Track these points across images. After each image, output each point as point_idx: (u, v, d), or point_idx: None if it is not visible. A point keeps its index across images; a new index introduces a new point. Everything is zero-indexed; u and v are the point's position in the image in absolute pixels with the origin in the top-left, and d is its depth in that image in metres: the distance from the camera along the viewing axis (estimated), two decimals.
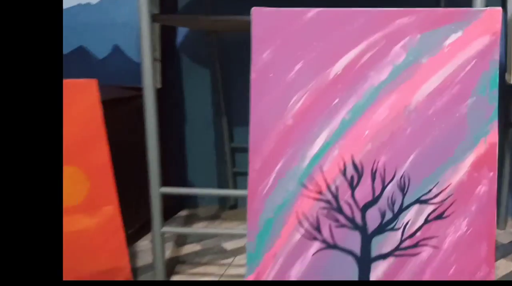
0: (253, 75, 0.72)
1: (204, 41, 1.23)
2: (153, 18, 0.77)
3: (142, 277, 0.82)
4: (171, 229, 0.86)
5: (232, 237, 1.05)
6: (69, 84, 0.68)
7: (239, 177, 1.34)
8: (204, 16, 0.84)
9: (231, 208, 1.33)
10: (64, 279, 0.67)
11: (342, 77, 0.71)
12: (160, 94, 1.16)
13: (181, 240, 1.04)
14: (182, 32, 1.21)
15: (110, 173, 0.71)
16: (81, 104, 0.69)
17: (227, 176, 1.32)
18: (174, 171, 1.29)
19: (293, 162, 0.71)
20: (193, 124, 1.30)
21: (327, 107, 0.71)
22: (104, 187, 0.70)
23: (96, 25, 1.09)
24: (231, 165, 1.31)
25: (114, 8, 1.09)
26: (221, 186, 1.34)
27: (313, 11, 0.72)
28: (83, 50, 1.09)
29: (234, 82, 1.29)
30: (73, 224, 0.67)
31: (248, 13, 0.72)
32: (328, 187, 0.69)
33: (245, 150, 1.34)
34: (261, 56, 0.72)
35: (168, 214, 1.22)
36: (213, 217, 1.23)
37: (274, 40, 0.72)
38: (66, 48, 1.09)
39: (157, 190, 0.77)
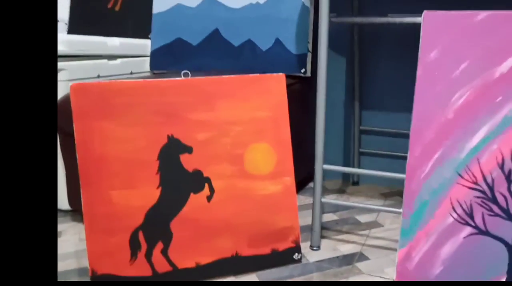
0: (419, 71, 0.80)
1: (345, 33, 1.32)
2: (330, 20, 0.87)
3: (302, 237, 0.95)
4: (329, 200, 0.97)
5: (366, 211, 1.15)
6: (265, 78, 0.82)
7: (363, 156, 1.43)
8: (378, 17, 0.92)
9: (354, 184, 1.43)
10: (250, 234, 0.81)
11: (507, 76, 0.76)
12: (309, 81, 1.28)
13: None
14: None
15: (290, 149, 0.84)
16: (274, 93, 0.83)
17: (354, 155, 1.41)
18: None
19: (451, 152, 0.78)
20: (328, 106, 1.41)
21: (490, 104, 0.76)
22: (286, 161, 0.83)
23: (262, 21, 1.23)
24: (358, 145, 1.40)
25: (278, 6, 1.21)
26: (346, 163, 1.44)
27: (483, 14, 0.77)
28: (250, 43, 1.24)
29: (368, 70, 1.36)
30: (264, 188, 0.82)
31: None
32: (484, 178, 0.76)
33: (370, 132, 1.42)
34: (428, 55, 0.79)
35: (301, 185, 1.35)
36: (339, 191, 1.34)
37: (442, 41, 0.79)
38: (237, 41, 1.25)
39: (320, 166, 0.89)
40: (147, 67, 1.37)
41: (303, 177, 1.36)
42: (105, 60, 1.20)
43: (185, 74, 0.85)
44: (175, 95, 0.79)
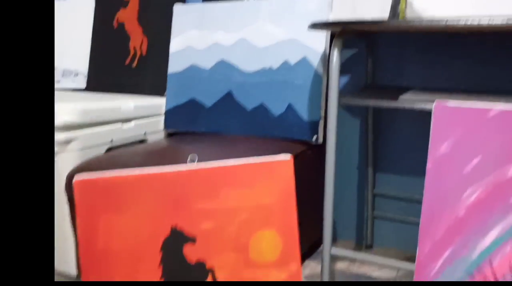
0: (429, 165, 0.78)
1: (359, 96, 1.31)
2: (339, 101, 0.87)
3: None
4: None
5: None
6: (272, 164, 0.81)
7: (376, 220, 1.40)
8: (388, 101, 0.91)
9: (367, 247, 1.39)
10: None
11: None
12: (323, 146, 1.27)
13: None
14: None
15: (297, 235, 0.82)
16: (281, 179, 0.82)
17: (367, 218, 1.38)
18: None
19: (462, 251, 0.75)
20: (341, 168, 1.39)
21: (503, 203, 0.74)
22: (292, 247, 0.82)
23: (275, 86, 1.23)
24: (372, 208, 1.37)
25: (291, 72, 1.21)
26: (359, 226, 1.42)
27: (495, 110, 0.75)
28: (263, 107, 1.24)
29: (383, 133, 1.34)
30: (269, 276, 0.80)
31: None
32: (497, 281, 0.73)
33: (385, 196, 1.39)
34: (439, 147, 0.78)
35: (312, 248, 1.33)
36: (351, 260, 1.31)
37: (453, 134, 0.77)
38: (250, 105, 1.26)
39: (328, 252, 0.88)
40: (161, 126, 1.39)
41: (315, 240, 1.34)
42: (119, 124, 1.21)
43: (192, 157, 0.85)
44: (180, 186, 0.79)
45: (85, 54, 1.67)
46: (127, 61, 1.57)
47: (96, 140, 1.13)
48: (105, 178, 0.75)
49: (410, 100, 0.88)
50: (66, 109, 1.06)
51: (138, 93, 1.50)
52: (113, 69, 1.59)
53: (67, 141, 1.05)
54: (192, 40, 1.37)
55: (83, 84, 1.66)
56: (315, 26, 0.88)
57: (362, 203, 1.41)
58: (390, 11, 1.13)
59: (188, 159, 0.85)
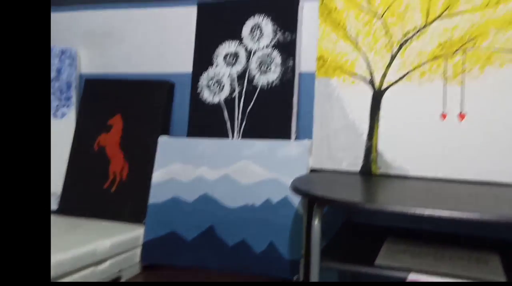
0: None
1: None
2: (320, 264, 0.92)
3: None
4: None
5: None
6: None
7: None
8: (366, 267, 0.96)
9: None
10: None
11: None
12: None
13: None
14: None
15: None
16: None
17: None
18: None
19: None
20: None
21: None
22: None
23: (257, 224, 1.27)
24: None
25: (273, 210, 1.27)
26: None
27: None
28: (244, 244, 1.27)
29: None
30: None
31: None
32: None
33: None
34: None
35: None
36: None
37: None
38: (231, 241, 1.28)
39: None
40: (137, 258, 1.36)
41: None
42: (92, 268, 1.17)
43: None
44: None
45: (59, 173, 1.67)
46: (106, 185, 1.58)
47: None
48: None
49: (388, 268, 0.93)
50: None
51: (116, 220, 1.49)
52: (89, 192, 1.59)
53: None
54: (176, 173, 1.41)
55: (52, 206, 1.63)
56: (296, 191, 0.95)
57: None
58: (363, 159, 1.24)
59: None
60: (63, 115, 1.73)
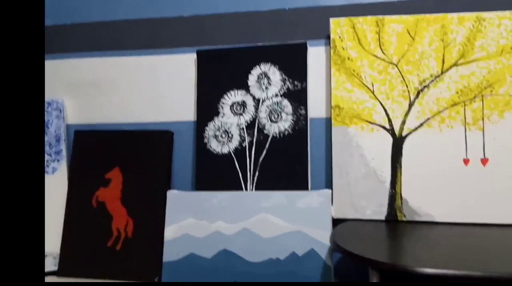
0: None
1: None
2: None
3: None
4: None
5: None
6: None
7: None
8: None
9: None
10: None
11: None
12: None
13: None
14: None
15: None
16: None
17: None
18: None
19: None
20: None
21: None
22: None
23: (283, 278, 1.24)
24: None
25: (299, 263, 1.24)
26: None
27: None
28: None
29: None
30: None
31: None
32: None
33: None
34: None
35: None
36: None
37: None
38: None
39: None
40: None
41: None
42: None
43: None
44: None
45: (55, 232, 1.57)
46: (110, 243, 1.49)
47: None
48: None
49: None
50: None
51: (123, 279, 1.41)
52: (92, 251, 1.50)
53: None
54: (190, 228, 1.36)
55: (51, 267, 1.53)
56: (346, 254, 0.94)
57: None
58: (388, 207, 1.24)
59: None
60: (54, 170, 1.63)
